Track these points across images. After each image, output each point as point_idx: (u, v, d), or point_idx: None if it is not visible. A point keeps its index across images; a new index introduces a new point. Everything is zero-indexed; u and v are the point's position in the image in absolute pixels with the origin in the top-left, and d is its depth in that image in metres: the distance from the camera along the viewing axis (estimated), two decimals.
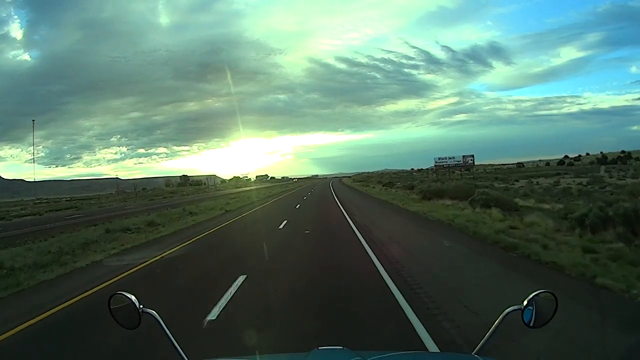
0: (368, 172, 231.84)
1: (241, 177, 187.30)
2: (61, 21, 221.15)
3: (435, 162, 63.87)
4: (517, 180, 55.02)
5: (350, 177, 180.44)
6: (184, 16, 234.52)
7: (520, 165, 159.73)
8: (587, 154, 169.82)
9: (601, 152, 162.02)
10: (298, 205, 22.57)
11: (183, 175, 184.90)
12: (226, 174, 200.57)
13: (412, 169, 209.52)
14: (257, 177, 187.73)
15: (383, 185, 44.71)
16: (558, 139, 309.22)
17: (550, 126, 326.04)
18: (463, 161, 63.79)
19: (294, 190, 51.95)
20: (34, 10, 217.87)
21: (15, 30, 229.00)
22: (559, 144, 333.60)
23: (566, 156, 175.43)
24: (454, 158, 64.02)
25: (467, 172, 66.05)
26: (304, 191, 47.35)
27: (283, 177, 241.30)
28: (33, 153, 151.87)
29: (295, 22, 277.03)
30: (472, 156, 63.97)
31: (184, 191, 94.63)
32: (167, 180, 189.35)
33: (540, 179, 58.21)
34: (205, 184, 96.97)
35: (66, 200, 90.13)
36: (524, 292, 1.56)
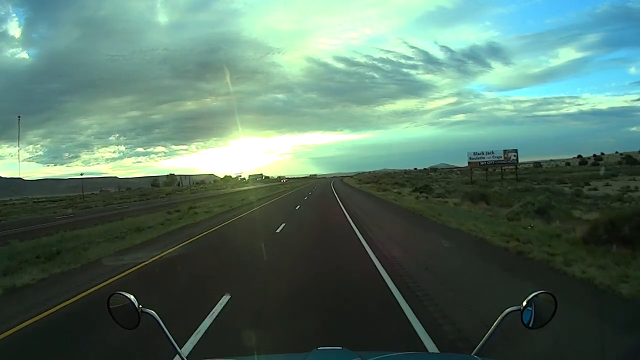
0: (370, 172, 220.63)
1: (234, 176, 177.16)
2: (60, 19, 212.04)
3: (470, 158, 49.11)
4: (588, 184, 40.50)
5: (352, 177, 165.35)
6: (182, 15, 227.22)
7: (537, 165, 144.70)
8: (602, 153, 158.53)
9: (616, 152, 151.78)
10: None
11: (170, 174, 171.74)
12: (224, 173, 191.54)
13: (416, 168, 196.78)
14: (249, 176, 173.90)
15: (415, 191, 29.80)
16: (556, 140, 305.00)
17: (549, 127, 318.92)
18: (504, 157, 49.21)
19: (277, 199, 36.51)
20: (32, 9, 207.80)
21: (14, 28, 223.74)
22: (557, 145, 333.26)
23: (579, 156, 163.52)
24: (492, 153, 49.43)
25: (484, 171, 51.70)
26: (293, 199, 32.53)
27: (278, 177, 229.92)
28: (18, 151, 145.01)
29: (294, 22, 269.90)
30: (516, 151, 49.37)
31: (149, 194, 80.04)
32: (154, 180, 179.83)
33: (608, 180, 43.80)
34: (180, 183, 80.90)
35: (34, 203, 78.62)
36: None
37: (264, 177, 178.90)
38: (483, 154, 49.09)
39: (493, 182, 46.67)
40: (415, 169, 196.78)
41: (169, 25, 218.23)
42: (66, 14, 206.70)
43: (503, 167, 50.46)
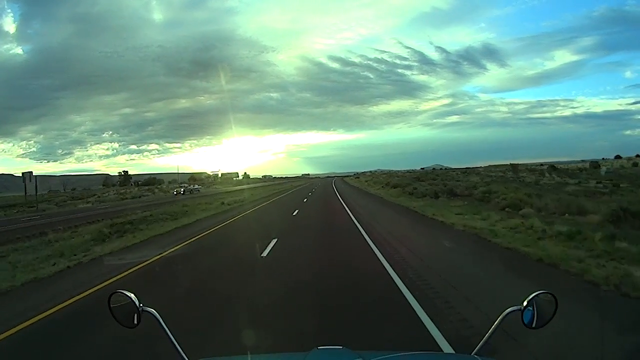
0: (371, 172, 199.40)
1: (210, 175, 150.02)
2: (54, 15, 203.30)
3: None
4: None
5: (357, 177, 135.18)
6: (177, 12, 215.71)
7: (552, 167, 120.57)
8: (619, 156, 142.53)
9: (637, 155, 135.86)
10: None
11: (123, 171, 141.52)
12: (218, 172, 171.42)
13: (422, 168, 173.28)
14: (222, 174, 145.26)
15: None
16: (550, 142, 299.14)
17: (543, 129, 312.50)
18: None
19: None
20: (28, 4, 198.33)
21: (9, 23, 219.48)
22: (552, 147, 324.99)
23: (618, 156, 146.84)
24: None
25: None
26: None
27: (264, 176, 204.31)
28: None
29: (289, 21, 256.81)
30: None
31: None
32: (106, 179, 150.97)
33: None
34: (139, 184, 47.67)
35: None
36: None
37: (240, 177, 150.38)
38: None
39: None
40: (422, 168, 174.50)
41: (163, 23, 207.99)
42: (61, 10, 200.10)
43: None
